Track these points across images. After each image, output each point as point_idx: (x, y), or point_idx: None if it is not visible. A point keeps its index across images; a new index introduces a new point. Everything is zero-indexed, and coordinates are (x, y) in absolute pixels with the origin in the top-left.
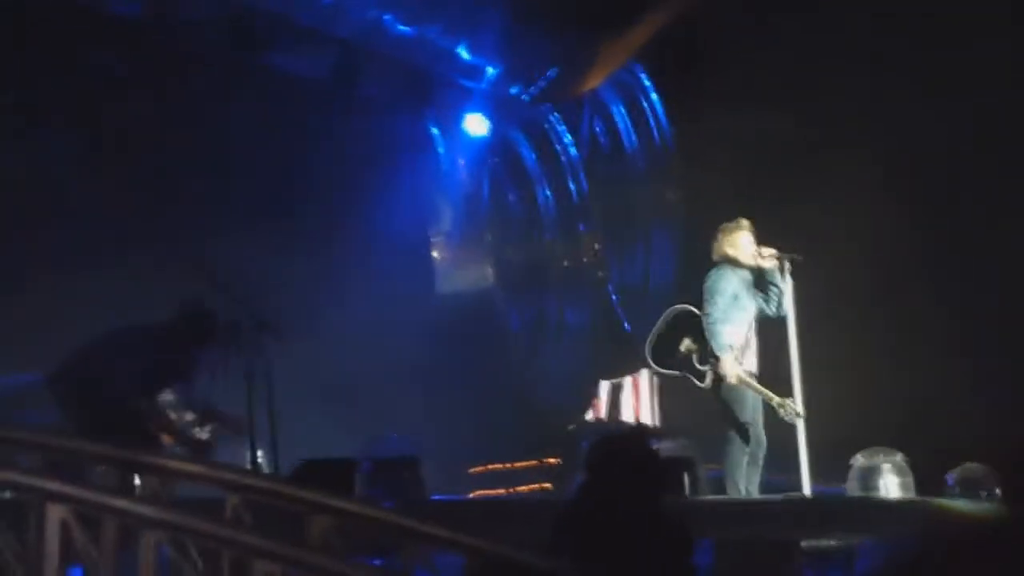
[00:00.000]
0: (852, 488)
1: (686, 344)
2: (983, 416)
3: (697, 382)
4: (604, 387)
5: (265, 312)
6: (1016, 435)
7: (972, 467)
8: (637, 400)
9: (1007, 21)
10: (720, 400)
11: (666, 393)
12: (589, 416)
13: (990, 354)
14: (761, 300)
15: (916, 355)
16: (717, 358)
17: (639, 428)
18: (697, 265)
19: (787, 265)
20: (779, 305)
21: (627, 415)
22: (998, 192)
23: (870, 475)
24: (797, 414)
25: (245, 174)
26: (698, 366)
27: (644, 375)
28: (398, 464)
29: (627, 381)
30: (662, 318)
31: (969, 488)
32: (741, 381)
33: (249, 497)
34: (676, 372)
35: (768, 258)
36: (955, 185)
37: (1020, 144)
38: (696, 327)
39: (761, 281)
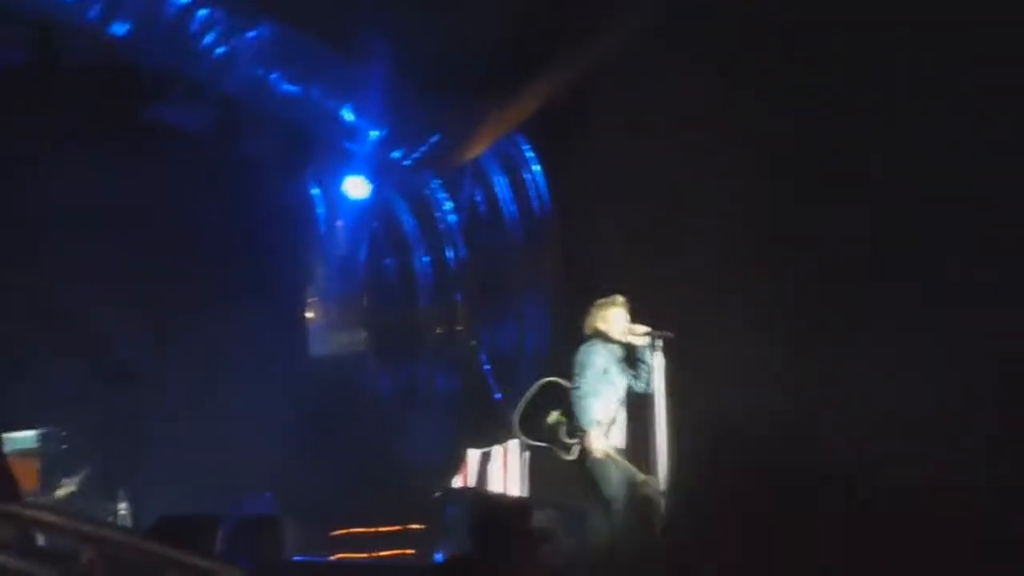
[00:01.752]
0: None
1: (554, 416)
2: None
3: (563, 454)
4: (473, 456)
5: (136, 366)
6: None
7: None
8: (505, 470)
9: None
10: (585, 474)
11: (535, 465)
12: (456, 483)
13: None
14: (631, 376)
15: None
16: (584, 432)
17: (523, 501)
18: (571, 338)
19: (658, 343)
20: (648, 382)
21: (495, 484)
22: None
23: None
24: (660, 492)
25: (117, 227)
26: (565, 439)
27: (513, 445)
28: (260, 523)
29: (496, 450)
30: (531, 389)
31: None
32: (607, 456)
33: (104, 550)
34: (543, 444)
35: (639, 335)
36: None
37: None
38: (564, 400)
39: (631, 357)
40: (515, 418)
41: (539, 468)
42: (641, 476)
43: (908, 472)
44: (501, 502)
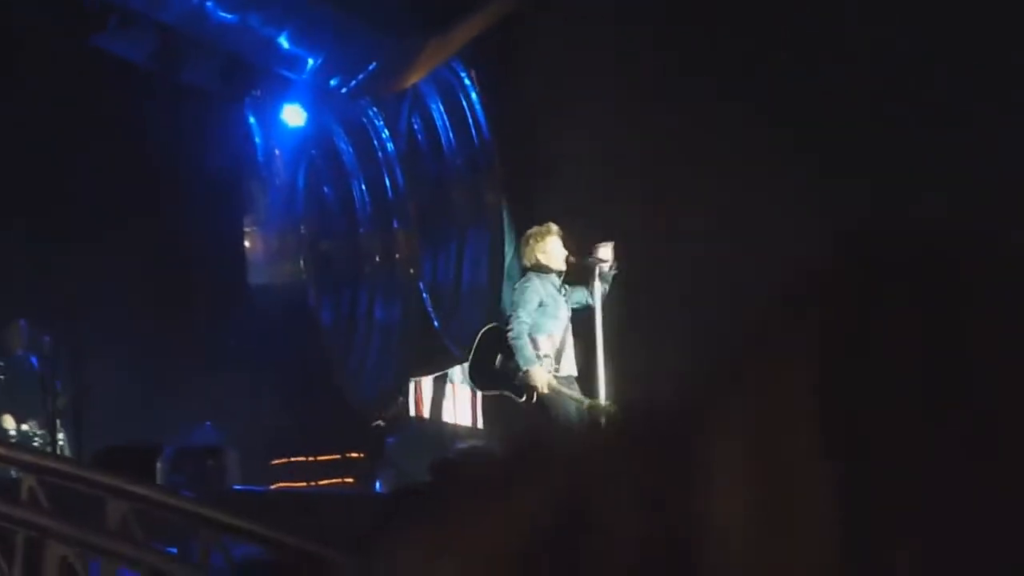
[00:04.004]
0: None
1: (499, 361)
2: None
3: (516, 398)
4: (427, 383)
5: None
6: None
7: None
8: (455, 396)
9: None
10: (541, 409)
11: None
12: (406, 413)
13: None
14: (580, 295)
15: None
16: (526, 371)
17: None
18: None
19: (597, 270)
20: (588, 297)
21: (448, 413)
22: None
23: None
24: (608, 412)
25: (53, 158)
26: (515, 382)
27: (457, 373)
28: (201, 452)
29: (451, 377)
30: (476, 341)
31: None
32: (552, 389)
33: (47, 479)
34: (496, 391)
35: (579, 263)
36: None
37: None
38: (507, 342)
39: (580, 275)
40: (467, 373)
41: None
42: (587, 401)
43: None
44: (443, 432)
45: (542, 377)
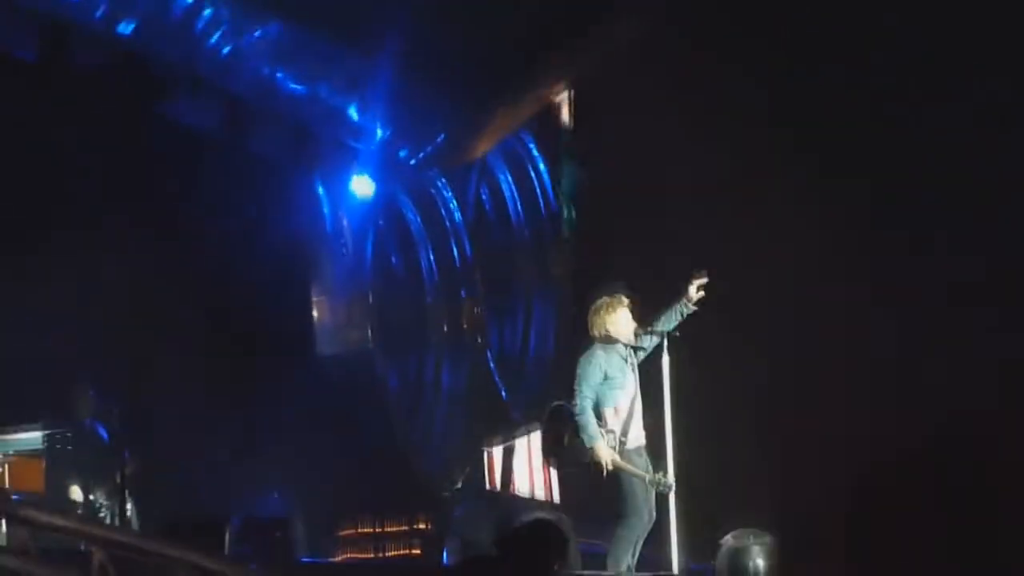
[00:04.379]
0: (721, 568)
1: (567, 438)
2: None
3: (586, 474)
4: (497, 453)
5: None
6: None
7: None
8: (530, 467)
9: None
10: (609, 487)
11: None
12: (474, 483)
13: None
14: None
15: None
16: (591, 448)
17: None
18: (580, 338)
19: (665, 341)
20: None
21: (520, 482)
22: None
23: (739, 556)
24: (668, 487)
25: (124, 227)
26: (583, 458)
27: (532, 442)
28: (268, 524)
29: (520, 445)
30: (546, 417)
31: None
32: (617, 466)
33: (115, 552)
34: (571, 469)
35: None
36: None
37: None
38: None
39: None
40: (544, 447)
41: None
42: (649, 476)
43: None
44: (511, 505)
45: (606, 453)
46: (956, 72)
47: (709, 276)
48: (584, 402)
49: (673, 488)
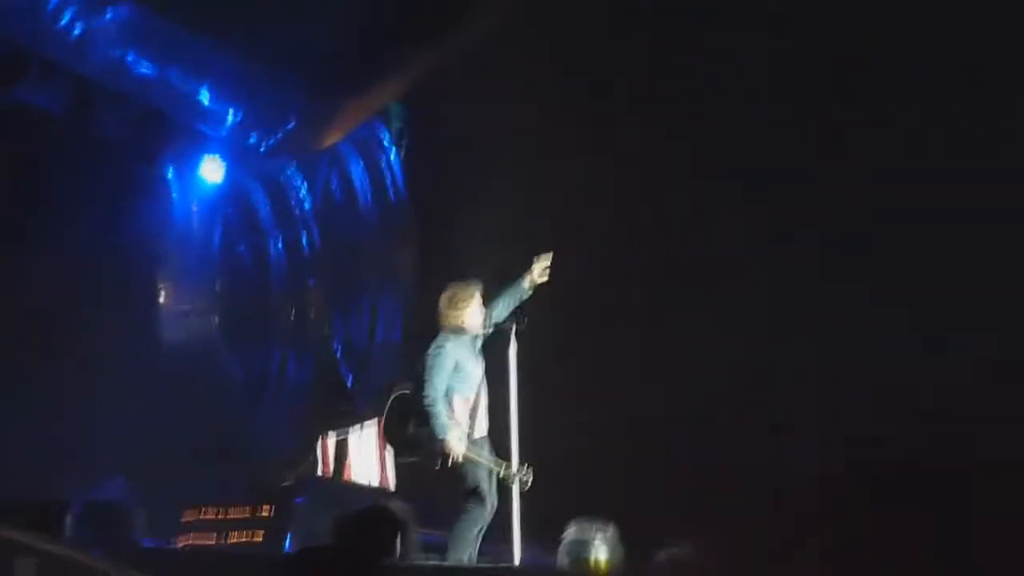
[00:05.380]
0: (562, 561)
1: (411, 427)
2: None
3: (430, 465)
4: (330, 443)
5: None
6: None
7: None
8: (363, 455)
9: None
10: (454, 473)
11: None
12: (316, 471)
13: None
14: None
15: (638, 425)
16: (441, 439)
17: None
18: (428, 328)
19: (514, 327)
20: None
21: (356, 471)
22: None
23: (579, 548)
24: (526, 483)
25: None
26: (429, 449)
27: (368, 433)
28: (110, 508)
29: (361, 434)
30: (387, 405)
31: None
32: (468, 459)
33: None
34: (412, 459)
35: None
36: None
37: None
38: (419, 408)
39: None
40: (384, 435)
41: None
42: (502, 471)
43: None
44: (351, 493)
45: (458, 446)
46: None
47: (551, 262)
48: (435, 393)
49: (530, 483)
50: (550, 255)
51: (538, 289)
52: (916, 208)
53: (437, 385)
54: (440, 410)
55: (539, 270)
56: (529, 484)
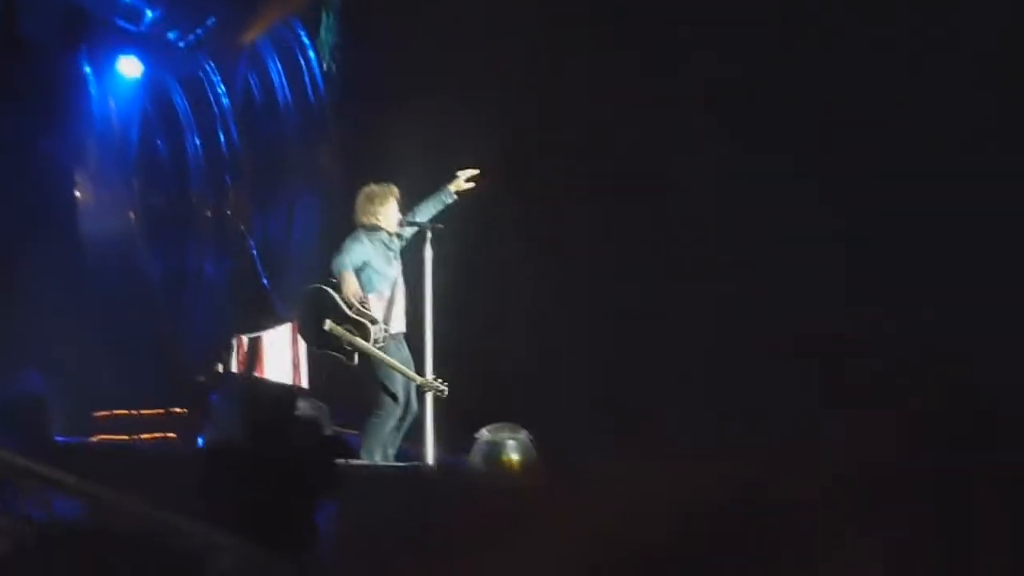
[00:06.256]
0: (475, 462)
1: (328, 324)
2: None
3: (343, 359)
4: (244, 341)
5: None
6: None
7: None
8: (277, 354)
9: None
10: (366, 371)
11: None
12: (229, 369)
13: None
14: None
15: (555, 330)
16: (339, 273)
17: (288, 389)
18: (346, 230)
19: (428, 234)
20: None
21: (269, 370)
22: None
23: (493, 449)
24: (442, 391)
25: None
26: (344, 345)
27: (282, 332)
28: (22, 403)
29: (269, 335)
30: (300, 301)
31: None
32: (380, 360)
33: None
34: (327, 351)
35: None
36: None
37: None
38: (335, 303)
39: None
40: (303, 334)
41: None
42: (419, 379)
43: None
44: (267, 391)
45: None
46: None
47: (476, 169)
48: (344, 263)
49: (446, 392)
50: (476, 170)
51: (462, 196)
52: None
53: (345, 261)
54: (348, 274)
55: (462, 180)
56: (445, 394)
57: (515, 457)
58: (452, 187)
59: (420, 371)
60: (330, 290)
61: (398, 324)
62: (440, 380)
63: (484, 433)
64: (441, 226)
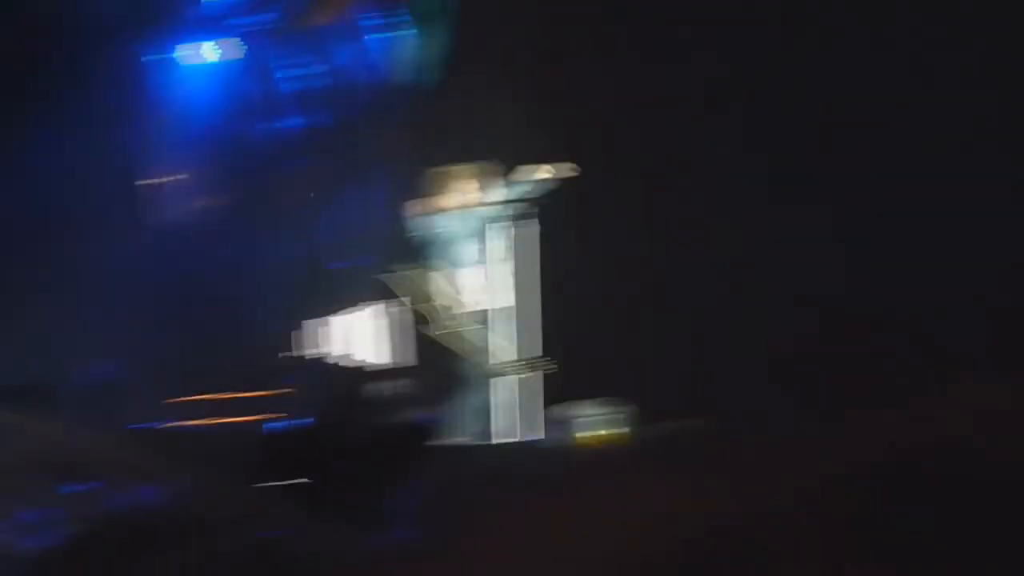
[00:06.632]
0: (566, 435)
1: (422, 304)
2: None
3: (438, 338)
4: (330, 323)
5: None
6: None
7: None
8: (367, 335)
9: None
10: (447, 349)
11: (400, 330)
12: (309, 350)
13: None
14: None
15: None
16: (437, 311)
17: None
18: (426, 209)
19: (512, 212)
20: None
21: (360, 352)
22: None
23: (585, 423)
24: (531, 370)
25: None
26: (430, 320)
27: (368, 313)
28: (99, 389)
29: (352, 318)
30: (393, 284)
31: None
32: (460, 334)
33: None
34: (422, 330)
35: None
36: None
37: None
38: (420, 282)
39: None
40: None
41: (402, 338)
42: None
43: None
44: (351, 373)
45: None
46: None
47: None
48: (433, 244)
49: (536, 372)
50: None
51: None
52: None
53: (435, 259)
54: (440, 283)
55: (546, 169)
56: (534, 373)
57: (607, 429)
58: (531, 174)
59: (513, 350)
60: (422, 271)
61: (486, 302)
62: (530, 360)
63: (575, 409)
64: (525, 206)
